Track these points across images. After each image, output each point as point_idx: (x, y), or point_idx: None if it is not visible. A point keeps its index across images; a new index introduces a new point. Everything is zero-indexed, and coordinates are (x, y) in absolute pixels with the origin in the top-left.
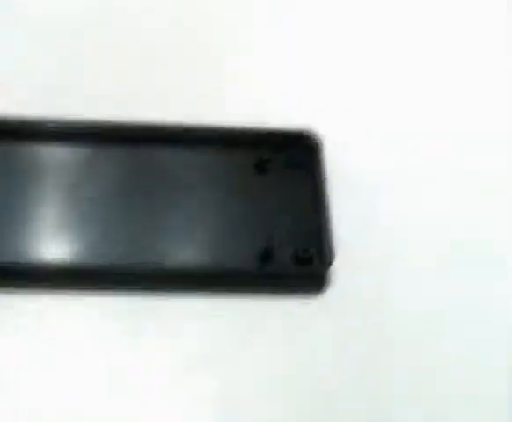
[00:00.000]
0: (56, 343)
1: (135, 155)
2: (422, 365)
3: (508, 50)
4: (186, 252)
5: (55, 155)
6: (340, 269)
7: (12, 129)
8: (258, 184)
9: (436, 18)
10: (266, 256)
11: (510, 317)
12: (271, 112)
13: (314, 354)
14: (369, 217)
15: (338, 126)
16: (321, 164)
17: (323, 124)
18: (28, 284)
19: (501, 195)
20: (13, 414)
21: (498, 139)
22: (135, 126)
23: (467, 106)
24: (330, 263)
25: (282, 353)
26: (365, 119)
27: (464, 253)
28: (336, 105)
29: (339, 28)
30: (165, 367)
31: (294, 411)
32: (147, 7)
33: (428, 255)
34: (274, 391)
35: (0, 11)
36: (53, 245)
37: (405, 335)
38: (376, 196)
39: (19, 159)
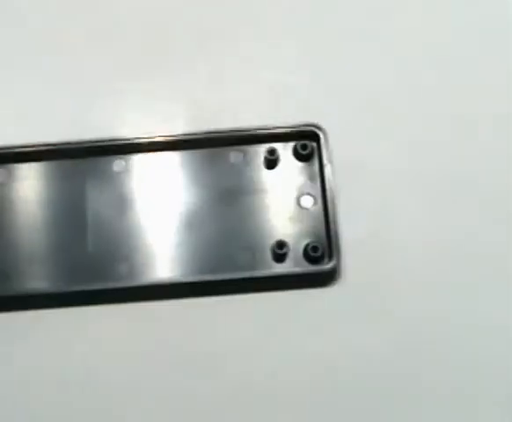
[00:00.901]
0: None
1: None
2: (430, 357)
3: None
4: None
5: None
6: (348, 261)
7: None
8: (268, 180)
9: (443, 15)
10: (278, 256)
11: None
12: (276, 111)
13: (324, 343)
14: (375, 208)
15: (342, 121)
16: (327, 157)
17: (327, 119)
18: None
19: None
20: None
21: (501, 139)
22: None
23: (468, 94)
24: (338, 261)
25: (296, 341)
26: (370, 113)
27: (470, 245)
28: (339, 101)
29: (340, 27)
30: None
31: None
32: None
33: (434, 247)
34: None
35: None
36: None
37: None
38: (383, 188)
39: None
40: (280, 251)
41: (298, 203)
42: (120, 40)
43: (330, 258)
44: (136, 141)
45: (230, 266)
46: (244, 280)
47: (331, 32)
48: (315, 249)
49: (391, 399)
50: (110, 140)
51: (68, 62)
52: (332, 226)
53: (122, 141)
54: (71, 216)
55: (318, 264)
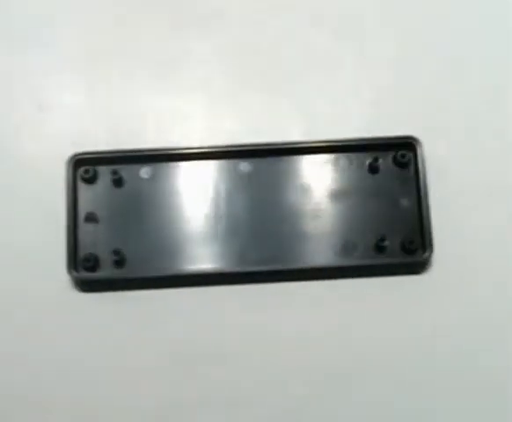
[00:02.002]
0: None
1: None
2: None
3: None
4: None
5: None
6: (439, 254)
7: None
8: (371, 182)
9: None
10: (379, 248)
11: None
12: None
13: (417, 325)
14: (462, 210)
15: (435, 133)
16: (422, 164)
17: (422, 131)
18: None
19: None
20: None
21: None
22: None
23: None
24: (430, 252)
25: (391, 322)
26: (462, 125)
27: None
28: (434, 114)
29: (435, 43)
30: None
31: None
32: None
33: None
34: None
35: None
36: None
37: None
38: (472, 195)
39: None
40: (381, 243)
41: (397, 203)
42: (248, 60)
43: (424, 250)
44: (263, 147)
45: (340, 254)
46: (350, 269)
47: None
48: (411, 242)
49: (488, 377)
50: (238, 145)
51: (201, 77)
52: (425, 222)
53: (249, 147)
54: (208, 209)
55: (413, 255)
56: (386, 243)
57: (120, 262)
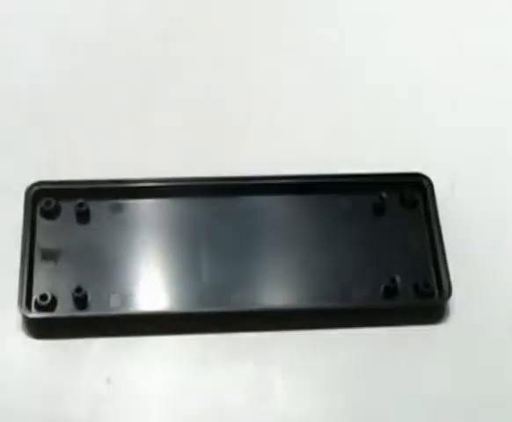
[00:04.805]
0: None
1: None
2: None
3: None
4: (319, 291)
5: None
6: (456, 301)
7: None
8: (377, 223)
9: None
10: (390, 291)
11: None
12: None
13: (434, 379)
14: (478, 255)
15: (444, 169)
16: (433, 204)
17: (430, 168)
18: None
19: None
20: None
21: None
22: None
23: None
24: (449, 296)
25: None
26: (469, 160)
27: None
28: (441, 150)
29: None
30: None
31: None
32: None
33: None
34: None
35: None
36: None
37: None
38: (484, 235)
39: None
40: (392, 286)
41: (406, 246)
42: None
43: (440, 295)
44: (255, 182)
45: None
46: (361, 315)
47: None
48: (426, 284)
49: None
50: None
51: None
52: (441, 265)
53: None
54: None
55: (429, 300)
56: (396, 286)
57: (81, 301)
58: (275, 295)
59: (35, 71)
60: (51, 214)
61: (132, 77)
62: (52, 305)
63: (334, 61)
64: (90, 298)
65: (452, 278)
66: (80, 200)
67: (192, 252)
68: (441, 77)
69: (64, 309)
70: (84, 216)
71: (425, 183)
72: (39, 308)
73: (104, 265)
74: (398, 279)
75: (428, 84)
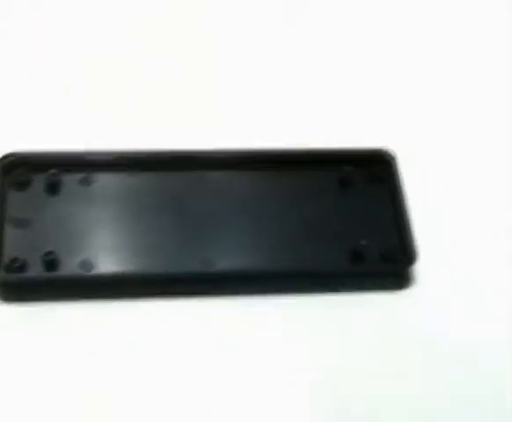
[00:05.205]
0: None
1: (233, 179)
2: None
3: None
4: (287, 256)
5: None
6: (421, 268)
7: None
8: (343, 197)
9: None
10: (356, 257)
11: None
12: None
13: (398, 344)
14: (444, 224)
15: (407, 142)
16: (397, 176)
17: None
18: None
19: None
20: None
21: None
22: (234, 152)
23: None
24: (414, 261)
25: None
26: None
27: None
28: (404, 124)
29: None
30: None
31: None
32: None
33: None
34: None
35: None
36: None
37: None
38: (447, 199)
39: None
40: (358, 250)
41: (372, 217)
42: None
43: (405, 259)
44: (223, 155)
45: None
46: (326, 281)
47: None
48: (392, 250)
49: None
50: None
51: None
52: (406, 232)
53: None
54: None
55: (394, 265)
56: (363, 253)
57: (51, 265)
58: (239, 260)
59: (9, 42)
60: (22, 186)
61: (106, 50)
62: (22, 268)
63: (301, 35)
64: (60, 262)
65: (419, 246)
66: (52, 171)
67: (157, 222)
68: (407, 53)
69: (34, 272)
70: (54, 188)
71: (388, 157)
72: (9, 270)
73: (74, 233)
74: (363, 242)
75: (396, 60)
